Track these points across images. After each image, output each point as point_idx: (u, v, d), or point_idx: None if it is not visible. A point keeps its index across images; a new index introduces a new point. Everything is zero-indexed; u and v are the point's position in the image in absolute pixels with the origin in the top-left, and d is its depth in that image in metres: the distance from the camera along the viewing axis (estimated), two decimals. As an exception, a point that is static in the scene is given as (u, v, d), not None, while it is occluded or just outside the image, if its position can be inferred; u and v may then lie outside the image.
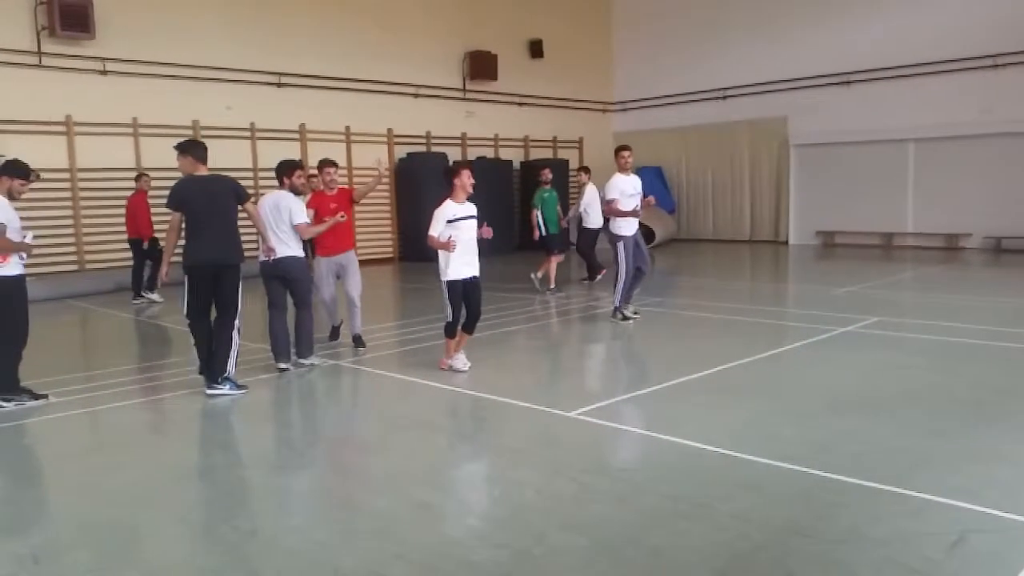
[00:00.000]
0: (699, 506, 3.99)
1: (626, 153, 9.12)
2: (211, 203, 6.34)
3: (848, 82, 18.01)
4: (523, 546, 3.61)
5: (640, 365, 7.83)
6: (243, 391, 6.43)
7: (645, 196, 9.23)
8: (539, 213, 11.94)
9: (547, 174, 12.36)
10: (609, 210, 9.07)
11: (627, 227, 9.04)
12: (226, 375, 6.41)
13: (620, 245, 9.01)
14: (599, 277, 12.34)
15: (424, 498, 4.27)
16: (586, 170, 12.90)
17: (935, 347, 7.59)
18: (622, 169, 9.09)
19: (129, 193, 13.39)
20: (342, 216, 7.56)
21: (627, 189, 9.00)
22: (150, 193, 12.02)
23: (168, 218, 6.47)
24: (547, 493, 4.27)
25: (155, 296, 11.83)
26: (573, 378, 7.51)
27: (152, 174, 12.89)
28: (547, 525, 3.83)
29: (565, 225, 12.16)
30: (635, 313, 9.23)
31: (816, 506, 3.95)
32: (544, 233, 11.91)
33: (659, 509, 4.00)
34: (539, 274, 11.87)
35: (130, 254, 12.26)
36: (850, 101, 17.97)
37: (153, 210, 11.86)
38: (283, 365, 7.19)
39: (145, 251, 11.84)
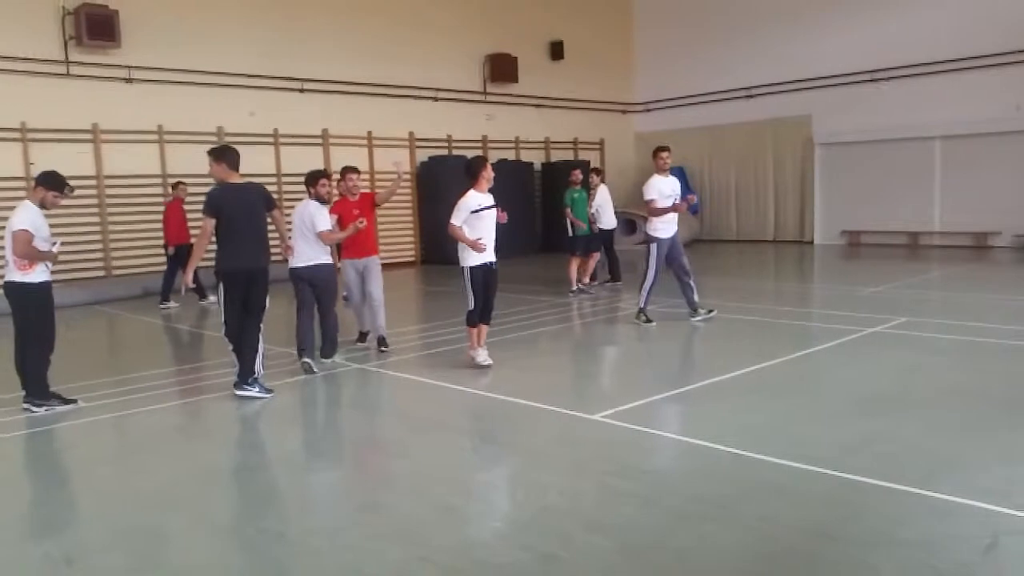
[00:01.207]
0: (725, 508, 3.97)
1: (665, 154, 9.04)
2: (247, 210, 6.47)
3: (873, 80, 17.81)
4: (548, 549, 3.61)
5: (664, 367, 7.78)
6: (271, 395, 6.49)
7: (685, 197, 9.14)
8: (567, 211, 11.91)
9: (577, 175, 12.34)
10: (648, 210, 9.03)
11: (663, 229, 8.94)
12: (255, 377, 6.51)
13: (653, 247, 8.95)
14: (593, 284, 12.17)
15: (448, 500, 4.28)
16: (597, 172, 12.87)
17: (964, 347, 7.48)
18: (660, 170, 9.02)
19: (156, 199, 13.60)
20: (362, 222, 7.67)
21: (665, 190, 8.92)
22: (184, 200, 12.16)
23: (201, 224, 6.57)
24: (571, 495, 4.26)
25: (212, 299, 11.77)
26: (596, 380, 7.50)
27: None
28: (572, 527, 3.83)
29: (596, 228, 12.07)
30: (710, 312, 9.09)
31: (843, 508, 3.91)
32: (572, 233, 11.87)
33: (684, 511, 3.97)
34: (586, 279, 11.88)
35: (158, 260, 12.43)
36: (875, 99, 17.76)
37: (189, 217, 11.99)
38: (307, 359, 7.35)
39: (172, 257, 11.96)
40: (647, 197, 8.97)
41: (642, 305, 9.08)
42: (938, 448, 4.75)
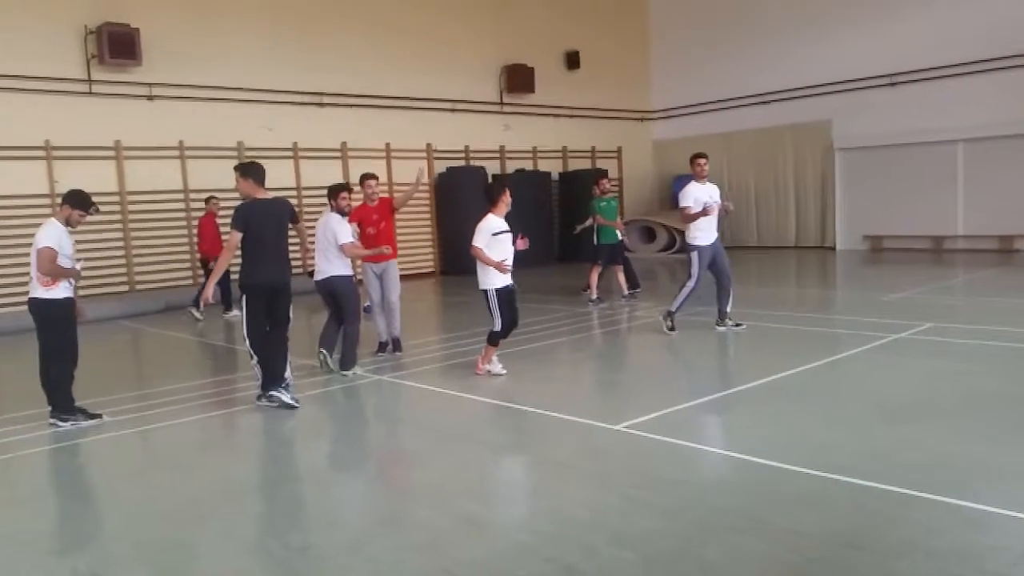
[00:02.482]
0: (751, 519, 3.92)
1: (702, 161, 8.90)
2: (274, 226, 6.60)
3: (893, 83, 17.67)
4: (572, 561, 3.58)
5: (688, 376, 7.73)
6: (297, 406, 6.53)
7: (723, 204, 8.99)
8: (597, 217, 11.86)
9: (604, 183, 12.36)
10: (682, 217, 8.93)
11: (703, 236, 8.79)
12: (287, 382, 6.64)
13: (694, 255, 8.83)
14: (585, 293, 11.99)
15: (471, 512, 4.27)
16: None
17: (992, 352, 7.37)
18: (698, 177, 8.89)
19: (178, 214, 13.77)
20: (387, 249, 7.98)
21: (702, 197, 8.74)
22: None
23: (227, 236, 6.69)
24: (594, 507, 4.23)
25: (235, 312, 11.84)
26: (618, 390, 7.44)
27: (199, 196, 13.20)
28: (596, 539, 3.79)
29: (623, 236, 12.02)
30: (737, 325, 8.92)
31: (872, 518, 3.85)
32: (597, 242, 11.83)
33: (710, 523, 3.93)
34: (627, 292, 11.83)
35: (180, 274, 12.55)
36: (896, 102, 17.60)
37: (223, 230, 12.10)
38: (323, 349, 7.71)
39: (210, 271, 12.06)
40: (682, 204, 8.85)
41: (672, 309, 8.94)
42: (968, 456, 4.66)
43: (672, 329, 8.90)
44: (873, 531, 3.71)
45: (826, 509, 4.01)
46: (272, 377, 6.57)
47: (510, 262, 7.21)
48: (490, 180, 16.29)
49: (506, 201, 7.23)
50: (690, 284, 8.85)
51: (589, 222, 12.09)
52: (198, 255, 12.65)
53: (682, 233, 15.36)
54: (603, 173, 18.94)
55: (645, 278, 12.67)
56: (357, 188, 8.77)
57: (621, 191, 20.61)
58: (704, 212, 8.65)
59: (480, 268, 7.18)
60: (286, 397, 6.51)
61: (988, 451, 4.73)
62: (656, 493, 4.39)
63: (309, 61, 15.65)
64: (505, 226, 7.19)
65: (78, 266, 6.36)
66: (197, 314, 12.01)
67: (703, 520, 3.97)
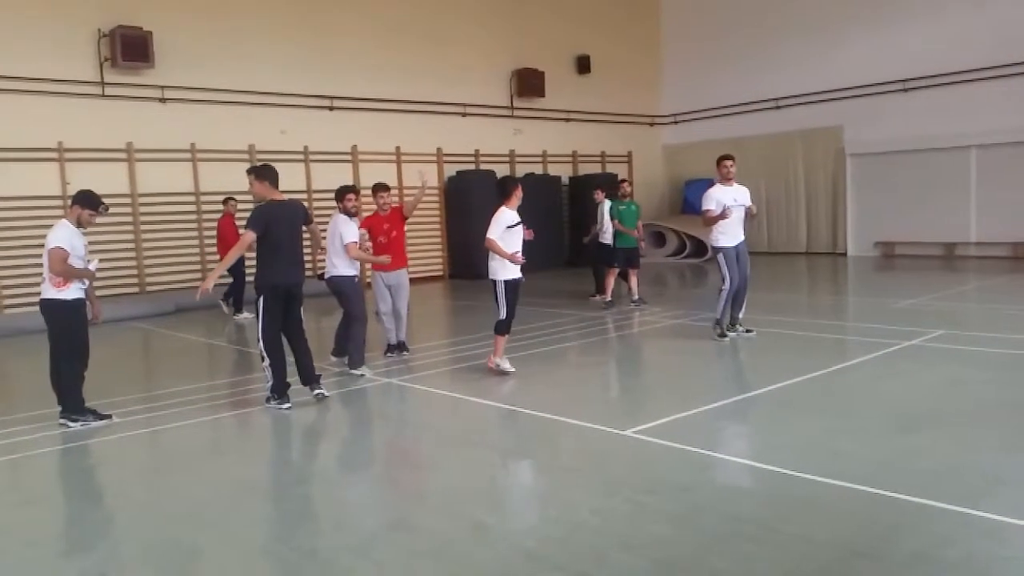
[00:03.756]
0: (762, 527, 3.89)
1: (728, 163, 8.68)
2: (290, 228, 6.68)
3: (906, 88, 17.59)
4: (581, 568, 3.56)
5: (697, 382, 7.67)
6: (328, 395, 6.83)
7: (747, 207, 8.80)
8: (615, 222, 11.84)
9: (625, 187, 12.40)
10: (704, 220, 8.84)
11: (726, 238, 8.66)
12: (319, 375, 6.90)
13: (721, 256, 8.72)
14: (597, 298, 12.02)
15: (480, 517, 4.25)
16: (602, 188, 12.84)
17: (1004, 360, 7.31)
18: (724, 179, 8.71)
19: (189, 216, 13.80)
20: (386, 259, 8.16)
21: (724, 199, 8.54)
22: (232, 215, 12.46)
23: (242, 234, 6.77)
24: (604, 513, 4.21)
25: (246, 314, 11.89)
26: (627, 395, 7.43)
27: (210, 198, 13.23)
28: (605, 546, 3.78)
29: (639, 237, 12.02)
30: (748, 331, 8.84)
31: (883, 527, 3.82)
32: (614, 246, 11.82)
33: (720, 530, 3.91)
34: (635, 296, 11.77)
35: (191, 276, 12.63)
36: (908, 108, 17.51)
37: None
38: (333, 357, 8.17)
39: (231, 270, 12.11)
40: (703, 207, 8.75)
41: (718, 316, 8.80)
42: (981, 465, 4.62)
43: (723, 336, 8.71)
44: (884, 540, 3.67)
45: (836, 517, 3.98)
46: (310, 376, 6.78)
47: (513, 246, 7.39)
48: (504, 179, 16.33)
49: (518, 195, 7.50)
50: (726, 287, 8.69)
51: (597, 228, 12.07)
52: (218, 255, 12.70)
53: (692, 238, 15.43)
54: (614, 177, 18.91)
55: (655, 283, 12.61)
56: (365, 191, 8.82)
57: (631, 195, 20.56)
58: (723, 215, 8.52)
59: (492, 259, 7.38)
60: (324, 390, 6.79)
61: (1000, 460, 4.69)
62: (666, 499, 4.37)
63: (320, 65, 15.70)
64: (518, 218, 7.42)
65: (91, 266, 6.39)
66: (226, 308, 12.22)
67: (713, 528, 3.94)
